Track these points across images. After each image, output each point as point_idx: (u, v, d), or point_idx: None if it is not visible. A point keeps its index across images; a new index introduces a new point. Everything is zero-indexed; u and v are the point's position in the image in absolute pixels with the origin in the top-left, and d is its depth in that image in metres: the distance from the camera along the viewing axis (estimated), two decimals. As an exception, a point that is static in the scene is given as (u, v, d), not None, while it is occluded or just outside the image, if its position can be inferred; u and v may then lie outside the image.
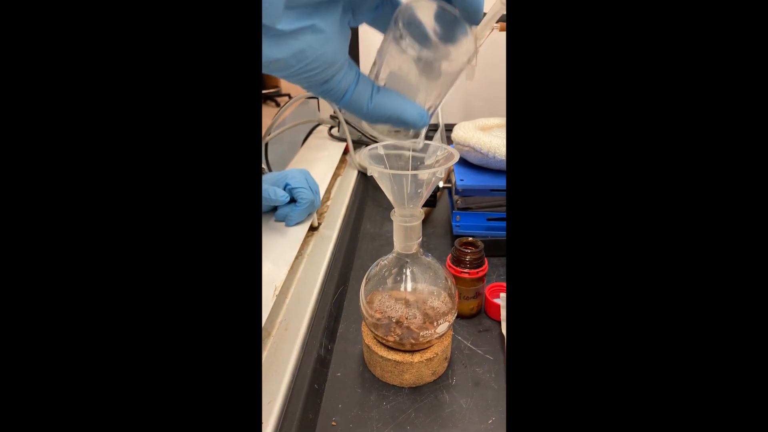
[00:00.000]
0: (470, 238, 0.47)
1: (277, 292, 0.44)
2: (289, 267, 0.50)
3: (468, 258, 0.45)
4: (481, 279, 0.45)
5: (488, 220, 0.57)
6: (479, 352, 0.42)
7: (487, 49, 0.80)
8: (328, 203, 0.70)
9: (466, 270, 0.45)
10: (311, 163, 0.81)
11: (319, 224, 0.64)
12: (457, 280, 0.44)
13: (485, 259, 0.46)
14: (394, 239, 0.37)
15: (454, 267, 0.45)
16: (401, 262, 0.38)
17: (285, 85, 4.25)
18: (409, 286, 0.38)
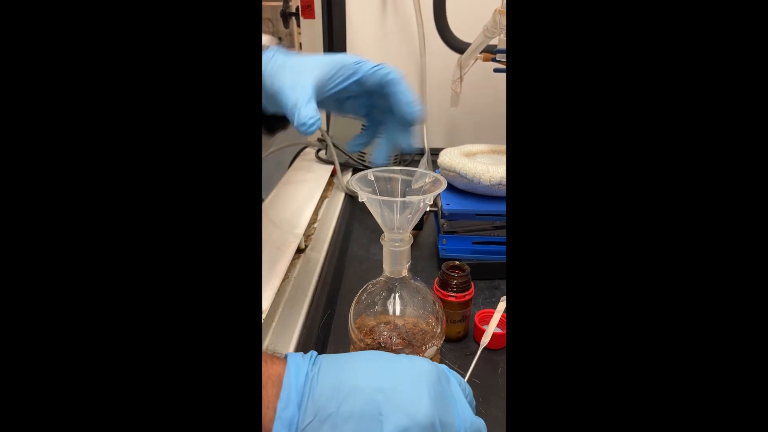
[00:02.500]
0: (457, 262, 0.47)
1: (264, 316, 0.44)
2: (276, 290, 0.49)
3: (455, 282, 0.45)
4: (467, 302, 0.46)
5: (474, 243, 0.58)
6: (467, 376, 0.42)
7: (470, 78, 0.83)
8: (315, 225, 0.71)
9: (452, 293, 0.45)
10: (298, 185, 0.82)
11: (306, 246, 0.64)
12: (444, 303, 0.45)
13: (472, 282, 0.46)
14: (384, 263, 0.37)
15: (441, 290, 0.45)
16: (390, 286, 0.38)
17: (271, 106, 4.26)
18: (398, 310, 0.39)
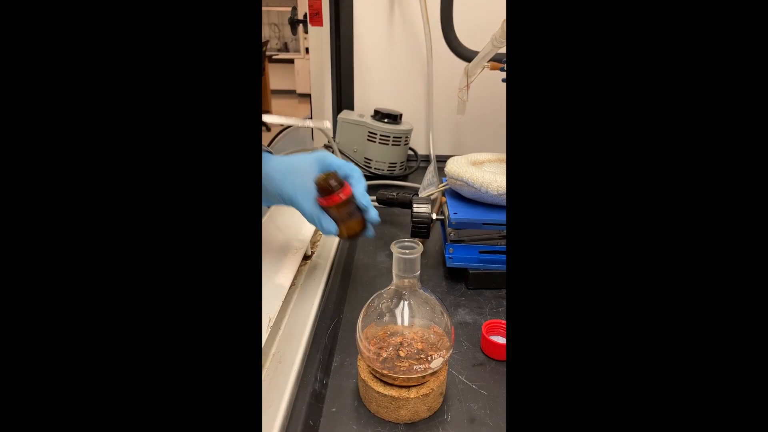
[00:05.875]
0: (327, 175, 0.48)
1: (271, 324, 0.44)
2: (283, 297, 0.49)
3: (333, 184, 0.47)
4: (351, 197, 0.49)
5: (480, 252, 0.58)
6: (473, 386, 0.42)
7: (477, 86, 0.83)
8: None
9: (337, 194, 0.47)
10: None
11: (312, 253, 0.64)
12: (336, 207, 0.48)
13: (344, 181, 0.49)
14: (393, 271, 0.37)
15: (328, 198, 0.48)
16: (399, 295, 0.38)
17: (276, 112, 4.30)
18: (406, 319, 0.38)
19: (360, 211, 0.50)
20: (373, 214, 0.50)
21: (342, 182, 0.49)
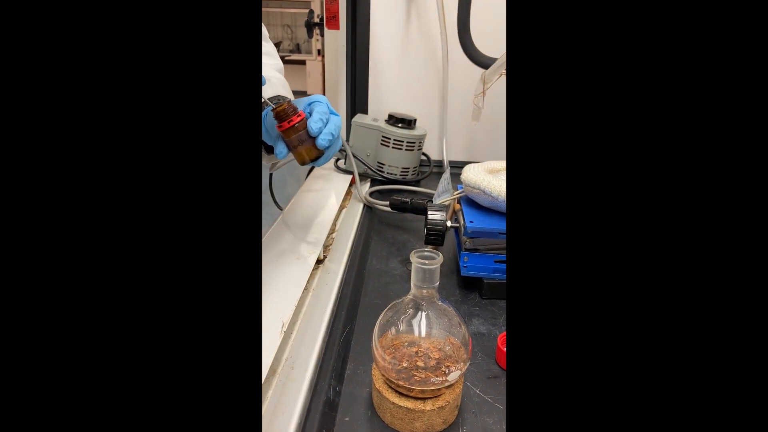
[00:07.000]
0: (282, 104, 0.51)
1: (284, 329, 0.44)
2: (297, 302, 0.49)
3: (285, 109, 0.51)
4: (300, 124, 0.52)
5: (495, 261, 0.57)
6: (489, 400, 0.41)
7: (492, 92, 0.83)
8: (334, 235, 0.70)
9: (286, 121, 0.51)
10: (317, 194, 0.82)
11: (325, 257, 0.63)
12: (293, 129, 0.52)
13: (294, 107, 0.52)
14: (412, 281, 0.36)
15: (284, 123, 0.51)
16: (417, 305, 0.37)
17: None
18: (423, 330, 0.38)
19: (312, 138, 0.52)
20: (321, 140, 0.52)
21: (296, 110, 0.52)
